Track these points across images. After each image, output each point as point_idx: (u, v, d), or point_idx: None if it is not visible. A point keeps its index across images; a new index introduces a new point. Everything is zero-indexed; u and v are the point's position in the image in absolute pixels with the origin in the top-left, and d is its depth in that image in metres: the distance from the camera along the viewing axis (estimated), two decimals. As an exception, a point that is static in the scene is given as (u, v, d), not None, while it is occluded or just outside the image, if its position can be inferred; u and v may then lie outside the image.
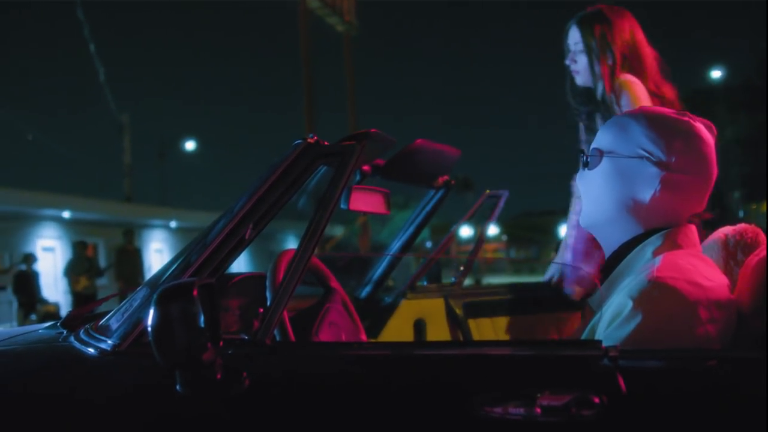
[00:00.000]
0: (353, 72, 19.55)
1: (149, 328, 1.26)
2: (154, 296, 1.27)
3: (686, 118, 1.47)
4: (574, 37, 2.59)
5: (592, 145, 1.54)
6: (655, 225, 1.46)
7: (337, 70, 19.87)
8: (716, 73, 26.59)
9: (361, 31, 20.04)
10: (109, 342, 1.49)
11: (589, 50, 2.52)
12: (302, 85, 16.36)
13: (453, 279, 3.05)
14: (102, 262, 14.92)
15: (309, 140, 1.56)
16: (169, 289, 1.27)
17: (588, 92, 2.63)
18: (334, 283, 2.12)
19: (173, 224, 22.09)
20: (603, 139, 1.52)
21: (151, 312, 1.26)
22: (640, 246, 1.46)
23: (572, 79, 2.67)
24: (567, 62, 2.63)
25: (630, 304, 1.32)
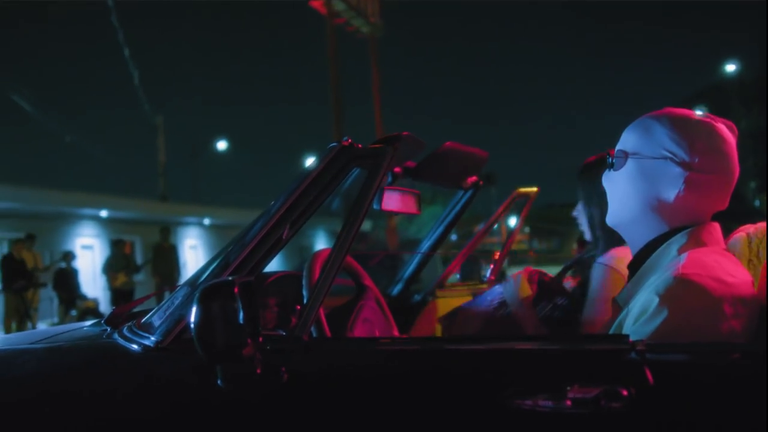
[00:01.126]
0: (378, 72, 19.86)
1: (191, 325, 1.31)
2: (196, 294, 1.32)
3: (708, 119, 1.50)
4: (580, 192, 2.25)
5: (617, 147, 1.56)
6: (680, 223, 1.49)
7: (364, 70, 20.17)
8: (730, 67, 26.48)
9: (385, 32, 20.34)
10: (152, 338, 1.55)
11: (588, 211, 2.22)
12: (330, 85, 16.68)
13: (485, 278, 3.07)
14: (138, 259, 15.15)
15: (343, 143, 1.60)
16: (211, 288, 1.32)
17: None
18: (368, 281, 2.17)
19: (206, 221, 22.34)
20: (628, 140, 1.54)
21: (194, 309, 1.31)
22: (666, 244, 1.48)
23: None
24: (574, 214, 2.34)
25: (656, 300, 1.35)
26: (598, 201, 2.15)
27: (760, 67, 24.47)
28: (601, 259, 2.13)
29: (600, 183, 1.65)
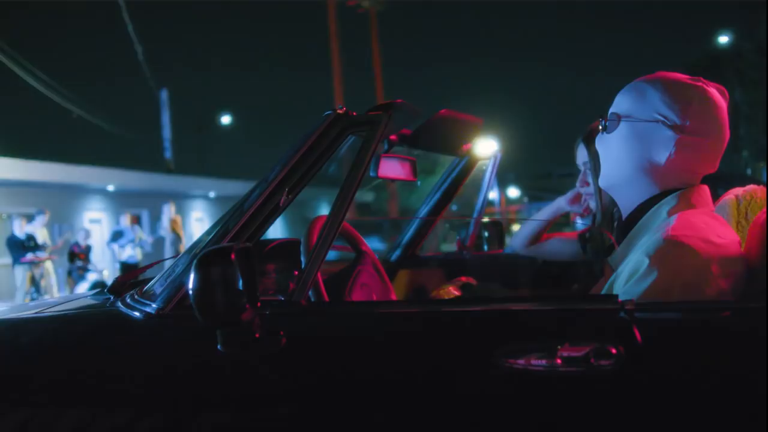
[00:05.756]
0: (379, 46, 20.19)
1: (191, 291, 1.33)
2: (195, 261, 1.34)
3: (700, 83, 1.51)
4: (582, 156, 2.23)
5: (611, 110, 1.58)
6: (671, 186, 1.51)
7: (366, 43, 20.37)
8: (723, 39, 26.61)
9: (386, 6, 20.54)
10: (154, 306, 1.57)
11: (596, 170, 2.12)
12: (332, 58, 16.94)
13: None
14: (146, 231, 15.24)
15: (338, 111, 1.61)
16: (209, 254, 1.33)
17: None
18: (365, 247, 2.19)
19: (212, 194, 22.40)
20: (621, 103, 1.56)
21: (192, 276, 1.33)
22: (656, 206, 1.51)
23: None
24: (577, 185, 2.29)
25: (646, 261, 1.37)
26: None
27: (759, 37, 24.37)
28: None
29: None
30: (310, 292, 1.54)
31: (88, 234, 12.44)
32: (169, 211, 12.39)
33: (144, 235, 12.97)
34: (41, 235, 11.04)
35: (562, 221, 2.67)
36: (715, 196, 1.62)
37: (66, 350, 1.59)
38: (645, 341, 1.29)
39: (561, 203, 2.52)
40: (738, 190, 1.65)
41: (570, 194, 2.48)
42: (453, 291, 2.27)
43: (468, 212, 3.22)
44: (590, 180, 2.22)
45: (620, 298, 1.34)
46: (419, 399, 1.36)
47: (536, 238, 2.66)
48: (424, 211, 2.85)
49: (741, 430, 1.27)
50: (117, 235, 12.19)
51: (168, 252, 12.21)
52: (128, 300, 1.70)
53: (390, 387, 1.39)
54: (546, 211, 2.62)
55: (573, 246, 2.53)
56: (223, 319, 1.34)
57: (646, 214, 1.52)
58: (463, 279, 2.40)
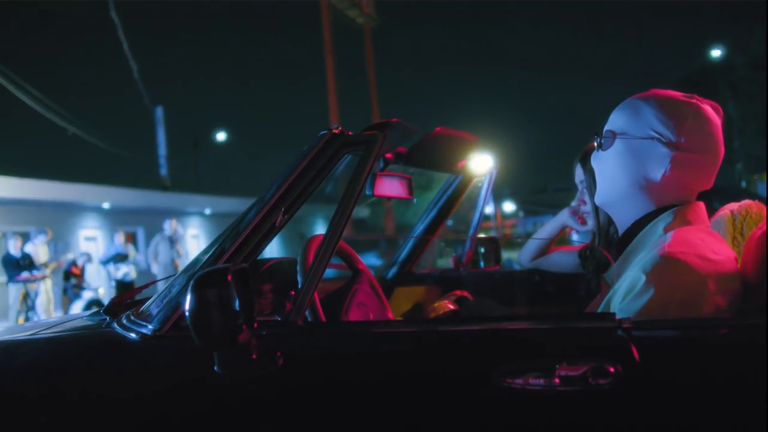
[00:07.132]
0: (374, 62, 20.40)
1: (187, 313, 1.33)
2: (191, 282, 1.34)
3: (694, 101, 1.52)
4: (580, 174, 2.27)
5: (606, 127, 1.59)
6: (667, 202, 1.52)
7: (360, 60, 20.51)
8: (716, 52, 26.88)
9: (380, 22, 20.69)
10: (150, 327, 1.57)
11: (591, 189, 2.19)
12: (326, 73, 17.02)
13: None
14: (141, 249, 15.19)
15: (334, 131, 1.62)
16: (205, 275, 1.33)
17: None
18: (362, 266, 2.19)
19: (207, 211, 22.38)
20: (616, 121, 1.57)
21: (188, 297, 1.33)
22: (652, 222, 1.51)
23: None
24: (573, 204, 2.36)
25: (643, 278, 1.38)
26: None
27: (755, 50, 24.64)
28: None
29: None
30: (306, 312, 1.54)
31: (89, 258, 12.40)
32: (170, 227, 12.33)
33: (135, 252, 12.93)
34: (42, 254, 11.01)
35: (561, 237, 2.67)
36: (711, 210, 1.63)
37: (62, 372, 1.58)
38: (643, 359, 1.29)
39: (565, 217, 2.51)
40: (733, 206, 1.66)
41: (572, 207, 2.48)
42: (448, 305, 2.27)
43: (464, 228, 3.22)
44: (587, 199, 2.23)
45: (617, 316, 1.34)
46: (417, 419, 1.36)
47: (543, 252, 2.68)
48: (420, 228, 2.85)
49: None
50: (115, 258, 12.14)
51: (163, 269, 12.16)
52: (124, 321, 1.69)
53: (387, 407, 1.38)
54: (551, 225, 2.62)
55: (576, 258, 2.54)
56: (220, 341, 1.34)
57: (642, 230, 1.52)
58: (458, 293, 2.41)
